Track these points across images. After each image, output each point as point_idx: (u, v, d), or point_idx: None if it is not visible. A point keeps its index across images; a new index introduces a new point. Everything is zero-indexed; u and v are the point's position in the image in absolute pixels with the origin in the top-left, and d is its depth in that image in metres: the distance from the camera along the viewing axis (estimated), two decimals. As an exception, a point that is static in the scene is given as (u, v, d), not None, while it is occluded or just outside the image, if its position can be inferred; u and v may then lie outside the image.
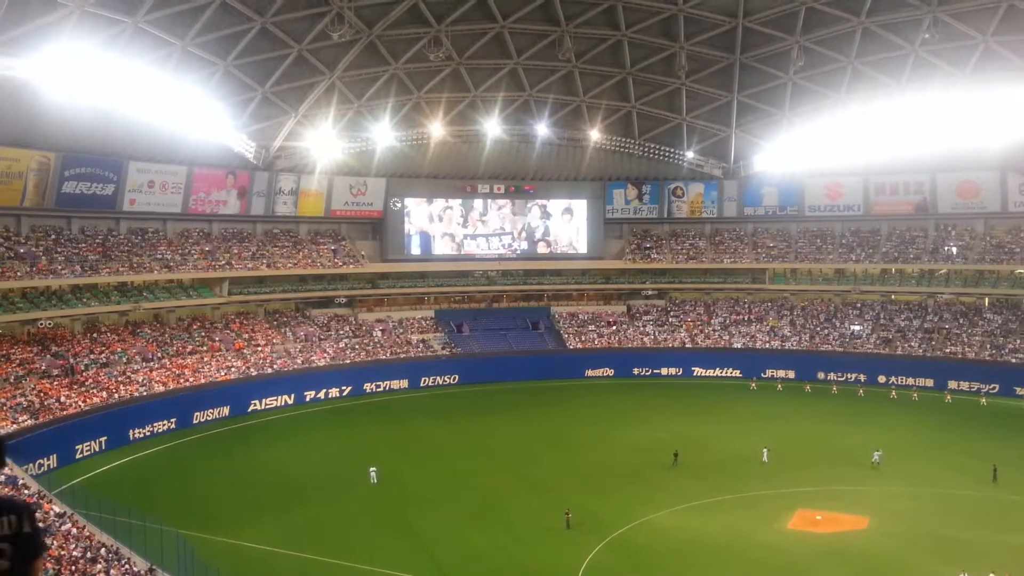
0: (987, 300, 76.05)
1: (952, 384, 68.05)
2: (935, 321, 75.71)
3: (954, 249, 76.97)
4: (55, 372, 53.85)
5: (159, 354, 61.54)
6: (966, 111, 65.26)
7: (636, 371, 76.92)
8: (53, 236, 61.43)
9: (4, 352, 52.90)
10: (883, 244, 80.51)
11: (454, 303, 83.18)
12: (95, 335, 60.77)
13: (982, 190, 76.40)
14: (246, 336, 68.94)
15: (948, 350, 71.89)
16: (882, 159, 74.71)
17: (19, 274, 55.49)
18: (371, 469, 46.51)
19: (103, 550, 30.60)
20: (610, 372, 77.24)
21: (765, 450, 49.87)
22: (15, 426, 45.59)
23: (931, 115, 67.04)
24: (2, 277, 53.51)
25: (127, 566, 29.66)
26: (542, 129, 77.73)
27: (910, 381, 69.32)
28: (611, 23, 67.25)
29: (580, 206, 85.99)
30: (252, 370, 64.68)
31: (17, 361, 52.98)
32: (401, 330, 77.76)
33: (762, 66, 70.93)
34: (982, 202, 76.69)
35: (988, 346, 70.89)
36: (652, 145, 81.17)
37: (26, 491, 34.96)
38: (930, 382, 68.98)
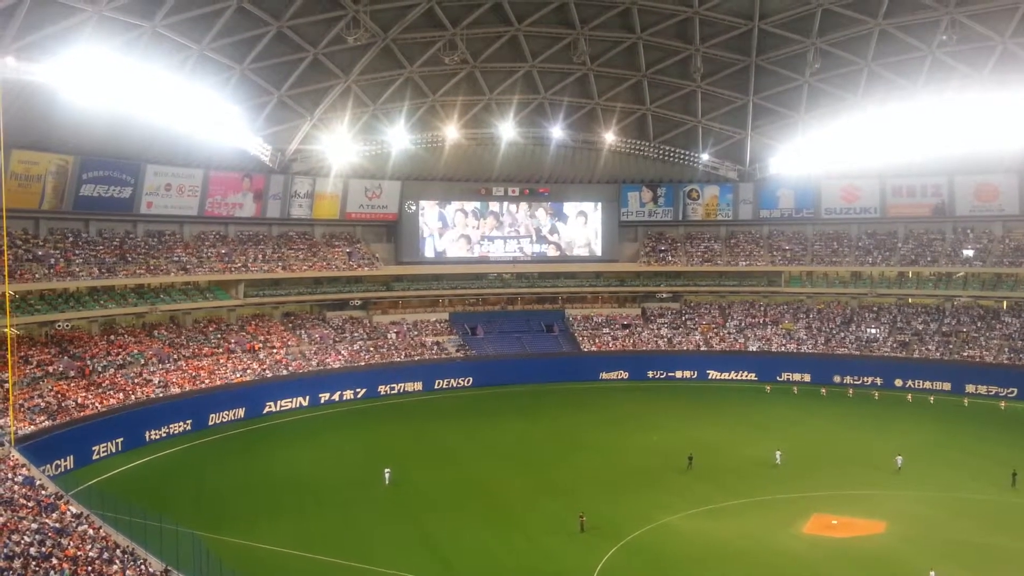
0: (1005, 303, 75.42)
1: (970, 388, 67.61)
2: (952, 324, 75.13)
3: (972, 252, 76.33)
4: (72, 373, 54.26)
5: (175, 356, 61.91)
6: (984, 113, 64.96)
7: (651, 374, 76.82)
8: (71, 238, 61.91)
9: (22, 353, 53.26)
10: (900, 247, 79.99)
11: (468, 306, 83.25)
12: (112, 337, 61.20)
13: (1000, 193, 75.74)
14: (262, 338, 69.23)
15: (966, 354, 71.31)
16: (899, 161, 74.34)
17: (37, 276, 55.94)
18: (385, 470, 46.66)
19: (119, 551, 30.77)
20: (624, 375, 77.12)
21: (778, 452, 49.73)
22: (33, 427, 45.95)
23: (948, 117, 66.79)
24: (20, 279, 53.92)
25: (143, 567, 29.80)
26: (557, 132, 77.75)
27: (927, 385, 68.98)
28: (626, 26, 67.20)
29: (595, 208, 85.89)
30: (267, 372, 64.96)
31: (35, 362, 53.42)
32: (415, 332, 77.90)
33: (778, 68, 70.70)
34: (1000, 205, 76.03)
35: (1006, 350, 70.27)
36: (667, 147, 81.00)
37: (43, 492, 35.23)
38: (947, 386, 68.56)
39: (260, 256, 72.58)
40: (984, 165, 73.05)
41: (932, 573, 32.42)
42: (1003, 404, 64.68)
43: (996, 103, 63.56)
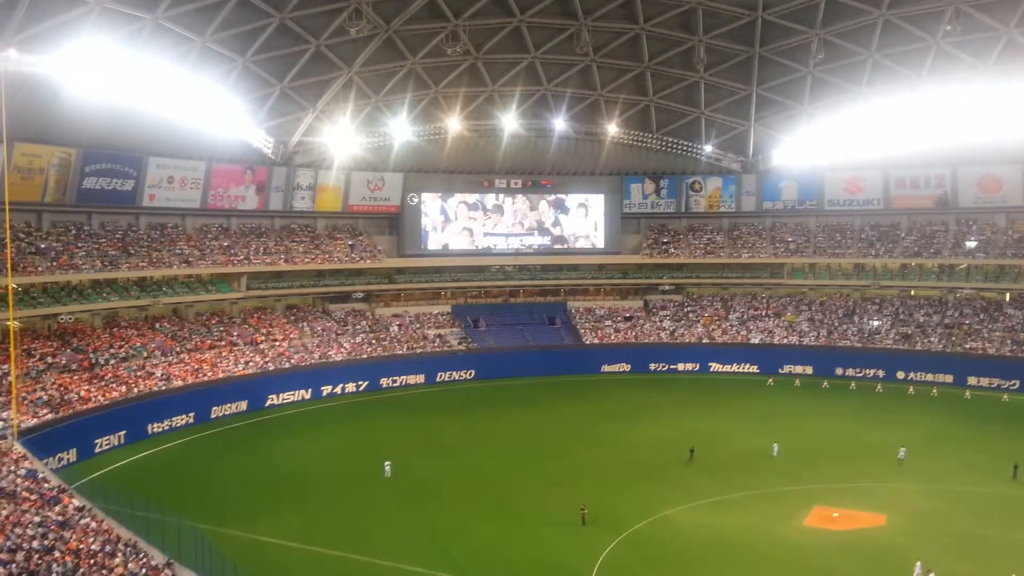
0: (1008, 295, 75.24)
1: (972, 380, 67.53)
2: (955, 316, 74.99)
3: (975, 244, 76.12)
4: (74, 366, 54.37)
5: (178, 348, 61.99)
6: (988, 104, 64.47)
7: (653, 366, 76.75)
8: (73, 231, 61.98)
9: (25, 346, 53.43)
10: (903, 239, 79.81)
11: (471, 298, 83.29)
12: (115, 329, 61.29)
13: (1004, 184, 75.52)
14: (264, 331, 69.30)
15: (968, 346, 71.19)
16: (902, 153, 74.01)
17: (40, 269, 56.03)
18: (385, 463, 46.76)
19: (122, 544, 30.87)
20: (626, 367, 77.08)
21: (775, 445, 49.82)
22: (35, 420, 46.06)
23: (952, 108, 66.33)
24: (23, 272, 54.01)
25: (145, 560, 29.90)
26: (559, 123, 77.57)
27: (929, 377, 68.86)
28: (629, 17, 66.98)
29: (597, 200, 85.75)
30: (270, 365, 65.02)
31: (38, 355, 53.54)
32: (418, 325, 77.93)
33: (781, 59, 70.44)
34: (1004, 196, 75.81)
35: (1009, 342, 70.15)
36: (670, 139, 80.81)
37: (46, 484, 35.35)
38: (949, 378, 68.48)
39: (262, 249, 72.60)
40: (988, 156, 72.69)
41: (918, 563, 32.56)
42: (1005, 396, 64.66)
43: (1000, 94, 63.13)
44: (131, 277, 63.03)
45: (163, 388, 56.63)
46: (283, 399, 63.94)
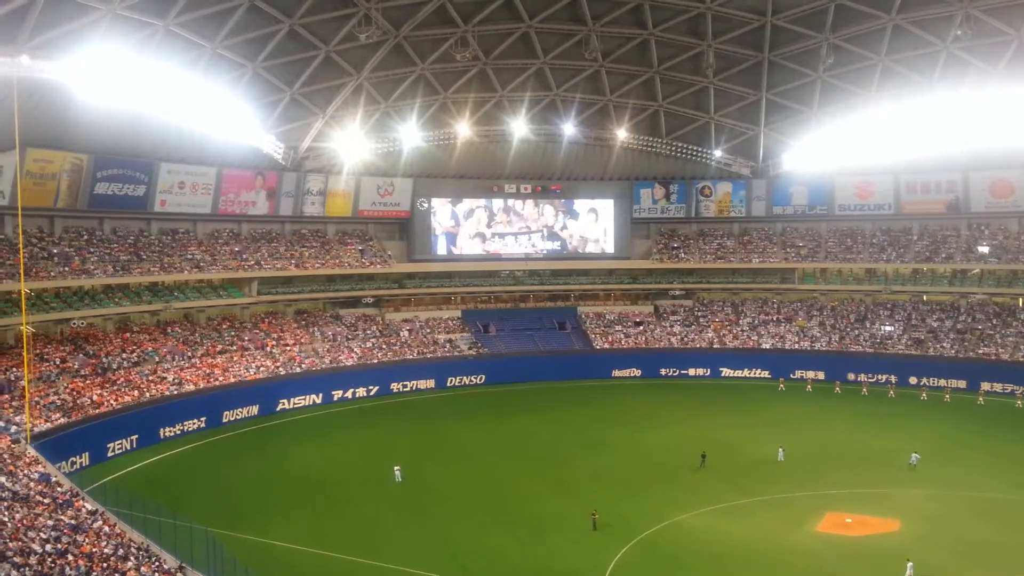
0: (1021, 301, 74.80)
1: (985, 386, 67.10)
2: (967, 322, 74.61)
3: (987, 249, 75.73)
4: (87, 371, 54.58)
5: (189, 353, 62.18)
6: (999, 108, 64.14)
7: (663, 371, 76.56)
8: (86, 236, 62.28)
9: (38, 351, 53.65)
10: (915, 244, 79.48)
11: (481, 303, 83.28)
12: (127, 334, 61.52)
13: (1015, 188, 75.15)
14: (275, 336, 69.45)
15: (981, 351, 70.80)
16: (913, 157, 73.71)
17: (52, 274, 56.30)
18: (395, 468, 46.78)
19: (134, 548, 30.94)
20: (637, 372, 76.92)
21: (781, 449, 49.65)
22: (48, 424, 46.26)
23: (963, 113, 65.99)
24: (36, 277, 54.28)
25: (157, 563, 29.98)
26: (569, 129, 77.53)
27: (942, 382, 68.39)
28: (638, 22, 66.96)
29: (607, 206, 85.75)
30: (281, 369, 65.16)
31: (51, 360, 53.76)
32: (428, 330, 77.98)
33: (791, 64, 70.28)
34: (1016, 200, 75.43)
35: (1022, 347, 69.73)
36: (679, 144, 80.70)
37: (59, 488, 35.47)
38: (962, 383, 68.06)
39: (273, 254, 72.84)
40: (999, 161, 72.40)
41: (909, 564, 32.49)
42: (1019, 402, 64.20)
43: (1011, 98, 62.78)
44: (143, 282, 63.23)
45: (175, 393, 56.81)
46: (294, 404, 64.07)
